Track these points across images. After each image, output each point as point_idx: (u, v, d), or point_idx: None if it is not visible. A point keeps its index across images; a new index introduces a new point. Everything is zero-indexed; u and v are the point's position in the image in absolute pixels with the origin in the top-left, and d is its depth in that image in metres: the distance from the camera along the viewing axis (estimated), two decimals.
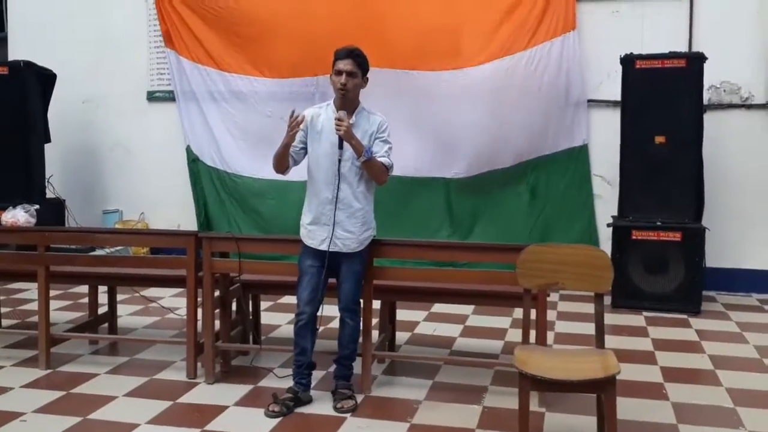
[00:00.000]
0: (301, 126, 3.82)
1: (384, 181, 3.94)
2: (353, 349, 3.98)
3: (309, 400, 3.90)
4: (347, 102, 3.84)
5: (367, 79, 3.90)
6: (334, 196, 3.82)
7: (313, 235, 3.88)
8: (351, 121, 3.81)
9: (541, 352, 3.44)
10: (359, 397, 3.95)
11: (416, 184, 6.95)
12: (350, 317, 3.93)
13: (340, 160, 3.80)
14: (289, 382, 3.95)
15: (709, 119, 6.21)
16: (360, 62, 3.83)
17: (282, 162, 3.91)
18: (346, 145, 3.78)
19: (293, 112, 3.79)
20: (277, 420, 3.69)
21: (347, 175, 3.83)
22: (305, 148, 3.92)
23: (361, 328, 4.01)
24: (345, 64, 3.80)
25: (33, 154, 7.20)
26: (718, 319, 5.70)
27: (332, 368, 4.07)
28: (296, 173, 4.11)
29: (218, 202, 7.50)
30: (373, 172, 3.85)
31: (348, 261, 3.89)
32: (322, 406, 3.87)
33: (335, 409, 3.82)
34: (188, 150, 7.53)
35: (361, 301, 4.01)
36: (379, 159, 3.83)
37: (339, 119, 3.75)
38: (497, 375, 4.31)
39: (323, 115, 3.90)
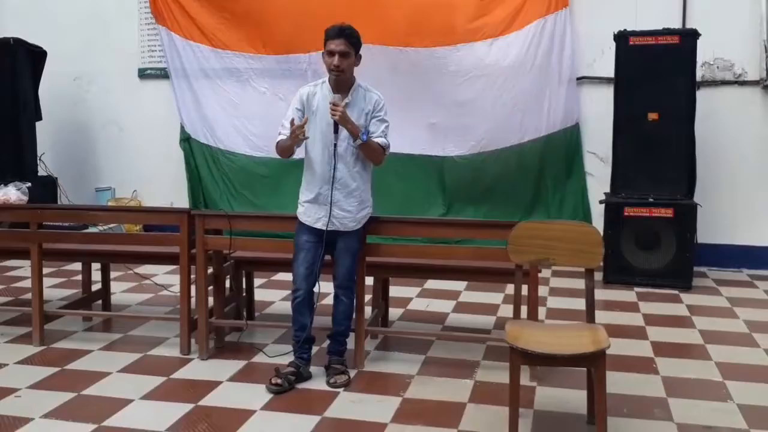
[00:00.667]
0: (303, 128, 3.72)
1: (381, 162, 3.92)
2: (347, 326, 4.00)
3: (309, 376, 3.91)
4: (342, 82, 3.80)
5: (360, 56, 3.84)
6: (330, 176, 3.81)
7: (309, 213, 3.88)
8: (347, 101, 3.78)
9: (532, 326, 3.46)
10: (352, 372, 3.98)
11: (410, 162, 6.94)
12: (345, 294, 3.94)
13: (335, 144, 3.78)
14: (280, 362, 3.97)
15: (702, 96, 6.22)
16: (352, 41, 3.75)
17: (286, 152, 3.89)
18: (341, 127, 3.75)
19: (293, 121, 3.74)
20: (270, 395, 3.71)
21: (344, 155, 3.81)
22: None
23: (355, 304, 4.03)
24: (337, 45, 3.72)
25: (24, 131, 7.16)
26: (708, 294, 5.74)
27: (326, 344, 4.09)
28: None
29: (212, 180, 7.47)
30: (370, 153, 3.84)
31: (345, 239, 3.89)
32: (315, 381, 3.89)
33: (328, 384, 3.84)
34: (182, 128, 7.50)
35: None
36: (375, 140, 3.82)
37: (334, 104, 3.71)
38: (489, 350, 4.35)
39: (318, 93, 3.85)
